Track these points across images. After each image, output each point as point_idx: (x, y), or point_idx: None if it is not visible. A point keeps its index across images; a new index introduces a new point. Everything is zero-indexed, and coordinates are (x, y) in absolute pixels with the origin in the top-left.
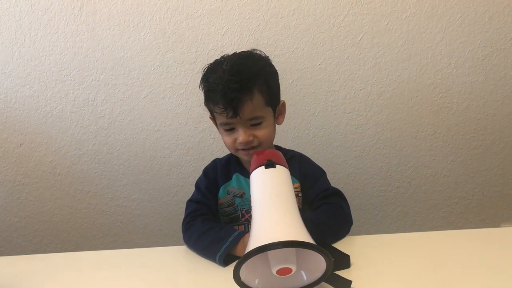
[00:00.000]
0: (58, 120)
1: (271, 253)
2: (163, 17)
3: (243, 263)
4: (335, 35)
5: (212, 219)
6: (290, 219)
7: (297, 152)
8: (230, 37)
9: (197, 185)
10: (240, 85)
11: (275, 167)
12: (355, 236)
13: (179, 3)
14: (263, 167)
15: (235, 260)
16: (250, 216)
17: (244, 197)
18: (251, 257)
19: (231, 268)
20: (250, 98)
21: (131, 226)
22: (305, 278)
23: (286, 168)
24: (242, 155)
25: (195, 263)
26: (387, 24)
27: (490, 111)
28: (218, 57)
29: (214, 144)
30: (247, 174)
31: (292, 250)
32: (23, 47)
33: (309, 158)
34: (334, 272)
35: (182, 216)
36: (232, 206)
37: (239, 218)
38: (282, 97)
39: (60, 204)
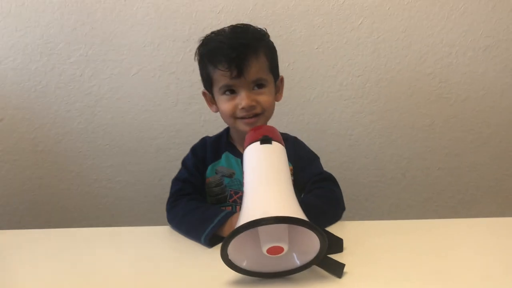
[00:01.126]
0: (42, 95)
1: (262, 231)
2: None
3: (232, 238)
4: (334, 18)
5: (199, 199)
6: (284, 196)
7: (291, 135)
8: (225, 16)
9: (184, 162)
10: (247, 41)
11: (271, 143)
12: (347, 222)
13: None
14: (259, 142)
15: (221, 241)
16: (239, 197)
17: (234, 177)
18: (241, 232)
19: (217, 248)
20: (256, 57)
21: (114, 209)
22: (296, 260)
23: (283, 145)
24: (241, 125)
25: (178, 243)
26: (388, 8)
27: (489, 104)
28: None
29: (204, 126)
30: (238, 154)
31: (284, 228)
32: (9, 17)
33: (303, 142)
34: (327, 255)
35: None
36: (220, 186)
37: (227, 198)
38: None
39: (41, 184)
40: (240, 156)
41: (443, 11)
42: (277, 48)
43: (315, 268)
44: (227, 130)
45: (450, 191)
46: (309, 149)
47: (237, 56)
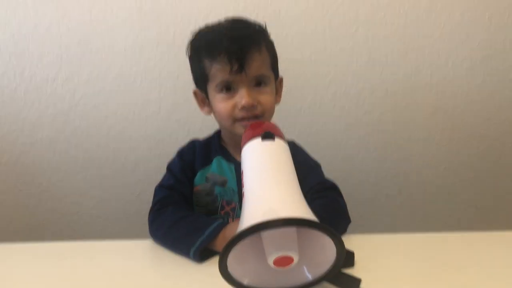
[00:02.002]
0: (10, 100)
1: (267, 238)
2: None
3: (233, 245)
4: (327, 25)
5: (186, 208)
6: (293, 197)
7: (289, 139)
8: (213, 19)
9: (169, 167)
10: (249, 33)
11: (273, 140)
12: (352, 235)
13: None
14: (260, 138)
15: (214, 256)
16: (232, 209)
17: (226, 185)
18: (244, 237)
19: (209, 264)
20: (259, 51)
21: (85, 228)
22: (307, 274)
23: (286, 143)
24: (240, 128)
25: (162, 258)
26: (384, 16)
27: (487, 116)
28: None
29: (188, 137)
30: (231, 159)
31: (293, 235)
32: None
33: (303, 148)
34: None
35: (147, 219)
36: (211, 196)
37: (218, 210)
38: None
39: (3, 200)
40: (233, 161)
41: (439, 20)
42: None
43: (327, 285)
44: (218, 133)
45: (448, 210)
46: (309, 155)
47: (238, 49)
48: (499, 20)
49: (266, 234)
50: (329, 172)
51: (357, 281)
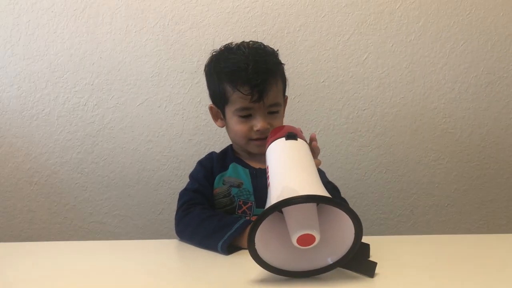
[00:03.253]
0: (43, 124)
1: (291, 218)
2: (167, 24)
3: (262, 220)
4: (340, 53)
5: (212, 209)
6: (314, 181)
7: None
8: None
9: (192, 175)
10: (269, 67)
11: (296, 140)
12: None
13: (185, 11)
14: (284, 138)
15: (238, 250)
16: (248, 208)
17: (242, 187)
18: (270, 213)
19: (231, 261)
20: (276, 83)
21: None
22: (327, 257)
23: (307, 144)
24: (253, 147)
25: (189, 257)
26: (392, 45)
27: (494, 139)
28: None
29: None
30: (245, 165)
31: (314, 216)
32: (17, 46)
33: None
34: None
35: (168, 235)
36: (228, 197)
37: (235, 210)
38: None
39: (33, 217)
40: (247, 167)
41: (444, 48)
42: None
43: (345, 271)
44: (231, 146)
45: (460, 229)
46: None
47: (261, 82)
48: (501, 48)
49: (289, 215)
50: (343, 192)
51: (373, 264)
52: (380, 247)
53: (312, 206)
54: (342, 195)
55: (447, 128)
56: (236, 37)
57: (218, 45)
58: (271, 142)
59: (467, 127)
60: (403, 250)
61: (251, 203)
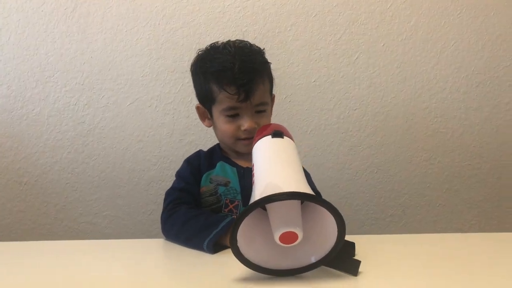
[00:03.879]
0: (33, 123)
1: (274, 215)
2: (158, 24)
3: (244, 218)
4: (331, 52)
5: (198, 208)
6: (298, 178)
7: None
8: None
9: (179, 174)
10: (255, 66)
11: (282, 138)
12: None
13: (176, 11)
14: (270, 136)
15: (224, 249)
16: (235, 207)
17: (229, 185)
18: (253, 210)
19: (215, 261)
20: (262, 82)
21: None
22: (310, 256)
23: (293, 142)
24: (241, 146)
25: (174, 256)
26: (383, 45)
27: (485, 139)
28: None
29: None
30: (232, 163)
31: (298, 214)
32: (7, 45)
33: None
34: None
35: (159, 236)
36: (215, 195)
37: (222, 208)
38: (274, 113)
39: (22, 218)
40: (235, 165)
41: (435, 48)
42: (275, 81)
43: (329, 270)
44: (219, 145)
45: (452, 229)
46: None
47: (247, 82)
48: (492, 48)
49: (272, 212)
50: (334, 192)
51: (357, 262)
52: (367, 246)
53: (295, 203)
54: (334, 195)
55: (439, 128)
56: (227, 37)
57: (208, 44)
58: (257, 140)
59: (458, 126)
60: (390, 249)
61: (238, 201)
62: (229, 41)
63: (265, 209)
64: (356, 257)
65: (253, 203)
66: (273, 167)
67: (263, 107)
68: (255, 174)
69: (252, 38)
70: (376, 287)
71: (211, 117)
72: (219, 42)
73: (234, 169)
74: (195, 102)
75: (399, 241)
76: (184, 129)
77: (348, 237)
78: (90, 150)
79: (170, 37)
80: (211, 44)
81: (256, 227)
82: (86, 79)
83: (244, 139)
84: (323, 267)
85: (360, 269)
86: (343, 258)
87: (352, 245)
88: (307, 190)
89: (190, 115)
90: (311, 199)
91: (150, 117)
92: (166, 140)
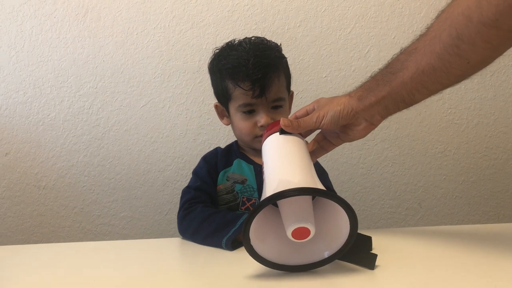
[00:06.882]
0: (50, 128)
1: (286, 212)
2: (168, 25)
3: (256, 214)
4: (341, 47)
5: (214, 207)
6: (309, 174)
7: None
8: None
9: (196, 172)
10: (269, 61)
11: (291, 134)
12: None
13: (185, 12)
14: (278, 133)
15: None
16: (252, 204)
17: (246, 183)
18: (264, 206)
19: (234, 256)
20: (278, 77)
21: None
22: (323, 251)
23: (302, 138)
24: (259, 144)
25: (190, 254)
26: (394, 38)
27: (502, 129)
28: None
29: None
30: (249, 161)
31: (309, 209)
32: (22, 52)
33: None
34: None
35: (176, 235)
36: (232, 193)
37: (238, 206)
38: None
39: (42, 221)
40: (252, 163)
41: None
42: None
43: (345, 264)
44: (236, 142)
45: (470, 221)
46: (318, 162)
47: (261, 77)
48: None
49: (284, 208)
50: (349, 187)
51: (374, 256)
52: (383, 240)
53: (307, 199)
54: (348, 190)
55: (453, 119)
56: (237, 35)
57: (219, 44)
58: (266, 137)
59: (473, 117)
60: (406, 242)
61: (254, 199)
62: (245, 38)
63: (276, 205)
64: (373, 251)
65: (264, 200)
66: (282, 163)
67: (280, 103)
68: (265, 172)
69: (262, 35)
70: (393, 280)
71: (228, 115)
72: (236, 40)
73: (251, 166)
74: (207, 101)
75: (416, 234)
76: (197, 129)
77: (364, 232)
78: (105, 153)
79: (181, 38)
80: (227, 42)
81: (268, 224)
82: (99, 82)
83: (261, 135)
84: (339, 261)
85: (377, 263)
86: (360, 252)
87: (368, 239)
88: (318, 185)
89: (202, 115)
90: (321, 194)
91: (163, 118)
92: (180, 141)
